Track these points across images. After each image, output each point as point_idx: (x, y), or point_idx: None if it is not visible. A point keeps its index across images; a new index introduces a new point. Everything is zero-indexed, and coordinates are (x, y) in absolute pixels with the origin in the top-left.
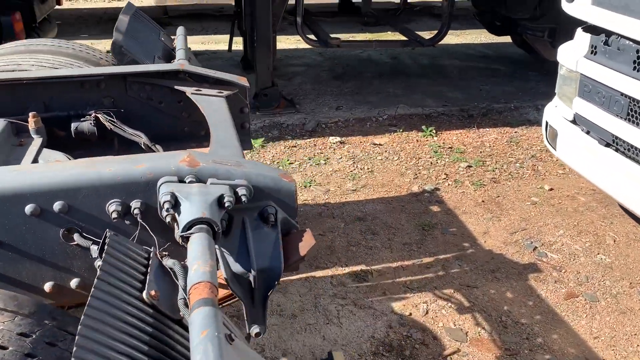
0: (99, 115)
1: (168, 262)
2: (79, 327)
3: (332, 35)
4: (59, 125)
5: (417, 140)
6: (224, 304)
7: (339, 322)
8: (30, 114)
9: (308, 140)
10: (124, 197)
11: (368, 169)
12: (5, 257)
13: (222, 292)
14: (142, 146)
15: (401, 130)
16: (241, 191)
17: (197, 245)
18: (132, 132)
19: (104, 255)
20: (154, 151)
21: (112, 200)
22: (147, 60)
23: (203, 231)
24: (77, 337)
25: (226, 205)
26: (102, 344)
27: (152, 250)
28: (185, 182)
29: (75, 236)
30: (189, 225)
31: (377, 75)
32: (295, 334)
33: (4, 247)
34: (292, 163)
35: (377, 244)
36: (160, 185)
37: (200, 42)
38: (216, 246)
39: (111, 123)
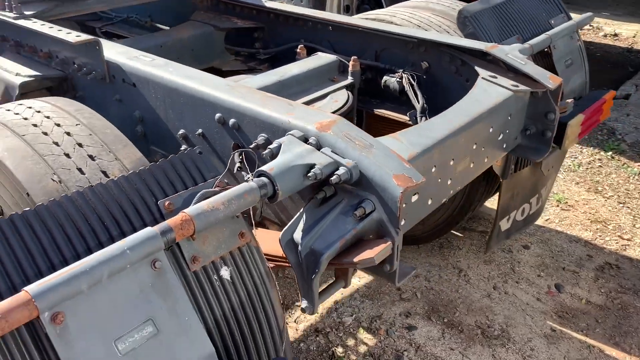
0: (404, 75)
1: (206, 190)
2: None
3: None
4: (380, 75)
5: None
6: (281, 264)
7: None
8: (352, 58)
9: None
10: (270, 134)
11: None
12: (205, 147)
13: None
14: (407, 115)
15: None
16: (340, 171)
17: (232, 190)
18: (419, 97)
19: (162, 159)
20: (415, 122)
21: (262, 134)
22: (493, 37)
23: (255, 183)
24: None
25: (309, 175)
26: (65, 214)
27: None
28: (307, 142)
29: (237, 151)
30: (258, 174)
31: None
32: None
33: (205, 138)
34: None
35: None
36: (285, 135)
37: None
38: (303, 207)
39: (409, 84)
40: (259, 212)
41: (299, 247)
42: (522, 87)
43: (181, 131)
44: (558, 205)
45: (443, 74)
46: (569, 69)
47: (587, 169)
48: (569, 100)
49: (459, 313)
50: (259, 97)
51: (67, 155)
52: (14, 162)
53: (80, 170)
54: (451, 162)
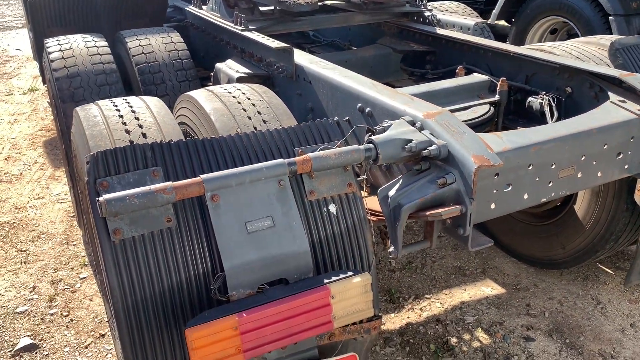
0: (546, 97)
1: (327, 145)
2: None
3: None
4: (528, 97)
5: None
6: (380, 217)
7: None
8: (501, 79)
9: None
10: (391, 119)
11: None
12: (348, 130)
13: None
14: None
15: None
16: (431, 147)
17: (344, 148)
18: (554, 117)
19: (304, 123)
20: None
21: (386, 119)
22: None
23: (362, 147)
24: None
25: (406, 148)
26: (235, 145)
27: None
28: (413, 125)
29: (367, 134)
30: (368, 141)
31: None
32: None
33: (349, 123)
34: None
35: None
36: (399, 119)
37: None
38: (402, 175)
39: (548, 105)
40: (364, 169)
41: (389, 200)
42: None
43: (335, 118)
44: None
45: (584, 99)
46: None
47: None
48: None
49: (583, 338)
50: (389, 93)
51: (249, 118)
52: (215, 116)
53: (255, 128)
54: (552, 166)
